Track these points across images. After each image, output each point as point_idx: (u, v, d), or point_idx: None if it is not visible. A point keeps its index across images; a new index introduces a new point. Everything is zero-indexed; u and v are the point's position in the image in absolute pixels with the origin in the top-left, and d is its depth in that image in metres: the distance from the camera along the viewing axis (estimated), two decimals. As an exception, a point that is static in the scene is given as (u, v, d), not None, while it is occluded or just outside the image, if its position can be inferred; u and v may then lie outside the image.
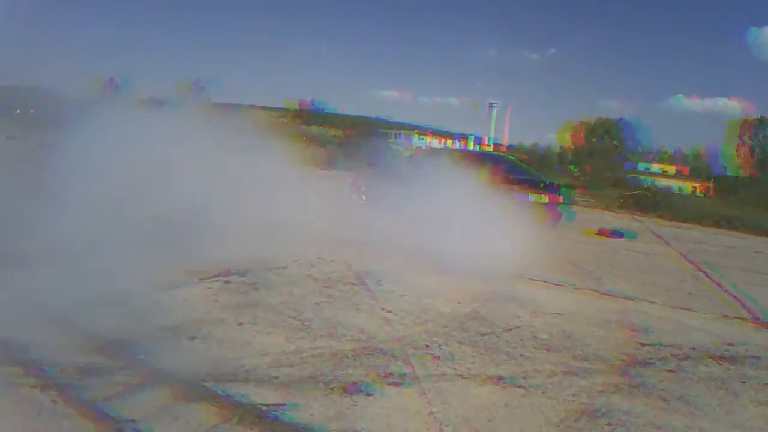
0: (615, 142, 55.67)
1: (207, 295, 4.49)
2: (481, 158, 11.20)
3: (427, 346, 3.86)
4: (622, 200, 23.77)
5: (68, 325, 3.52)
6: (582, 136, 56.51)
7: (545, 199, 10.42)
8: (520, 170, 12.32)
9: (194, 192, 7.89)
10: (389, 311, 4.57)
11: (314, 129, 53.92)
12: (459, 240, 6.67)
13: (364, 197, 11.46)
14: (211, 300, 4.35)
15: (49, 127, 8.73)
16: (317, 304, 4.58)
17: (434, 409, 2.88)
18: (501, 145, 60.32)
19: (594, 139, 55.54)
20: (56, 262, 4.72)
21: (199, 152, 9.38)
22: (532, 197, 10.08)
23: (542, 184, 10.75)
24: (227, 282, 4.92)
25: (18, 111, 10.21)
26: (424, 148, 25.20)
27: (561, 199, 11.20)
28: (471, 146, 49.04)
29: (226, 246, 6.21)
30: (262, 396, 2.83)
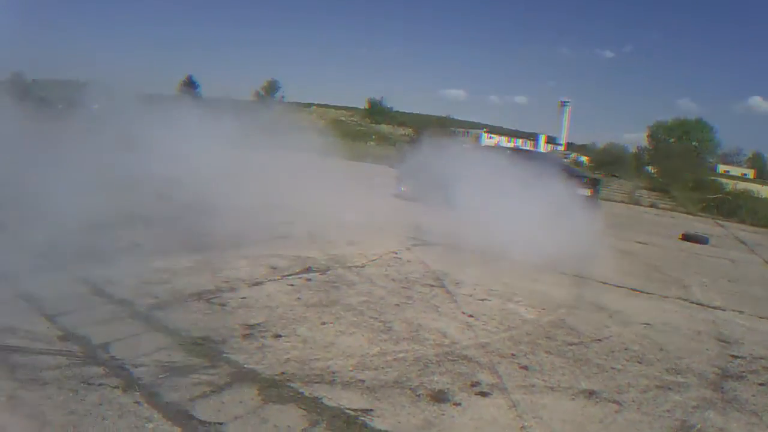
0: (694, 143, 53.20)
1: (289, 291, 4.50)
2: (528, 155, 11.63)
3: (513, 354, 3.73)
4: (703, 204, 22.83)
5: (150, 321, 3.56)
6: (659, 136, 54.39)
7: (589, 192, 11.10)
8: (565, 166, 12.85)
9: (269, 188, 8.07)
10: (470, 316, 4.46)
11: (384, 127, 54.36)
12: (529, 238, 6.58)
13: (410, 191, 11.97)
14: (294, 297, 4.36)
15: (125, 123, 9.02)
16: (397, 305, 4.51)
17: (526, 424, 2.76)
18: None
19: (672, 140, 53.23)
20: (139, 257, 4.85)
21: (273, 150, 9.57)
22: (581, 190, 10.66)
23: (586, 179, 11.66)
24: (308, 280, 4.93)
25: (96, 106, 10.54)
26: (472, 146, 25.33)
27: (599, 191, 11.85)
28: (542, 145, 48.51)
29: (300, 241, 6.29)
30: (348, 400, 2.78)
